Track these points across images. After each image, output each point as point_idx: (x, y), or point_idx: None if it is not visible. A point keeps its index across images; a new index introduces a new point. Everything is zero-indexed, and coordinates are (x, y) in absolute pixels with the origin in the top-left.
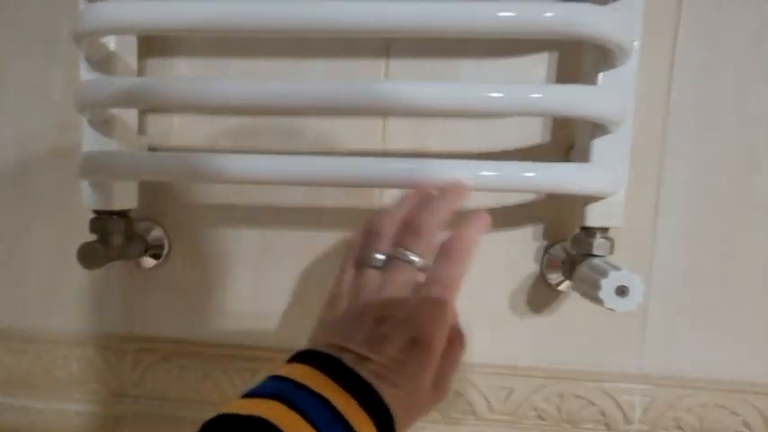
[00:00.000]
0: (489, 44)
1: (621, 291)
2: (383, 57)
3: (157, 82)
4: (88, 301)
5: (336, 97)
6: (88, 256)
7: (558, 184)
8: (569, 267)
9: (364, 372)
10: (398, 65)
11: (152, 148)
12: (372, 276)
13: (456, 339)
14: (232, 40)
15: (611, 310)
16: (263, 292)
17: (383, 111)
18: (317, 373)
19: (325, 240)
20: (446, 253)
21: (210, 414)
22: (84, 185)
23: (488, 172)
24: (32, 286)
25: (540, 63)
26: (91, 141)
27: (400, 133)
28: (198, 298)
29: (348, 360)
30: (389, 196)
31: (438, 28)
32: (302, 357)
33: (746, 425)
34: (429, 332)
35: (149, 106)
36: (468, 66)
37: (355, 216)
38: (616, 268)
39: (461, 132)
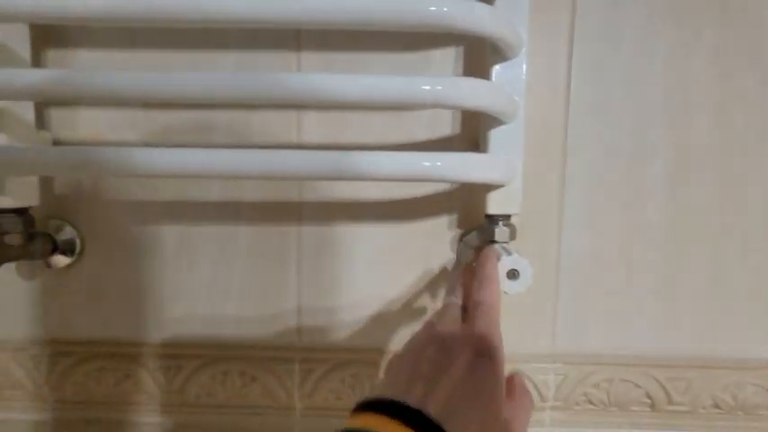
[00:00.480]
0: (400, 37)
1: (512, 274)
2: (294, 50)
3: (54, 74)
4: None
5: (248, 88)
6: None
7: (455, 174)
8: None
9: (432, 404)
10: (310, 57)
11: (57, 143)
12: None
13: (523, 390)
14: (136, 30)
15: (504, 293)
16: (184, 288)
17: (293, 102)
18: (387, 419)
19: (245, 235)
20: (481, 281)
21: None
22: None
23: (388, 160)
24: None
25: (447, 57)
26: None
27: (315, 126)
28: (114, 297)
29: (414, 397)
30: (308, 189)
31: (311, 20)
32: (368, 406)
33: (648, 396)
34: (489, 338)
35: (47, 100)
36: (379, 59)
37: (274, 209)
38: (508, 253)
39: (376, 125)
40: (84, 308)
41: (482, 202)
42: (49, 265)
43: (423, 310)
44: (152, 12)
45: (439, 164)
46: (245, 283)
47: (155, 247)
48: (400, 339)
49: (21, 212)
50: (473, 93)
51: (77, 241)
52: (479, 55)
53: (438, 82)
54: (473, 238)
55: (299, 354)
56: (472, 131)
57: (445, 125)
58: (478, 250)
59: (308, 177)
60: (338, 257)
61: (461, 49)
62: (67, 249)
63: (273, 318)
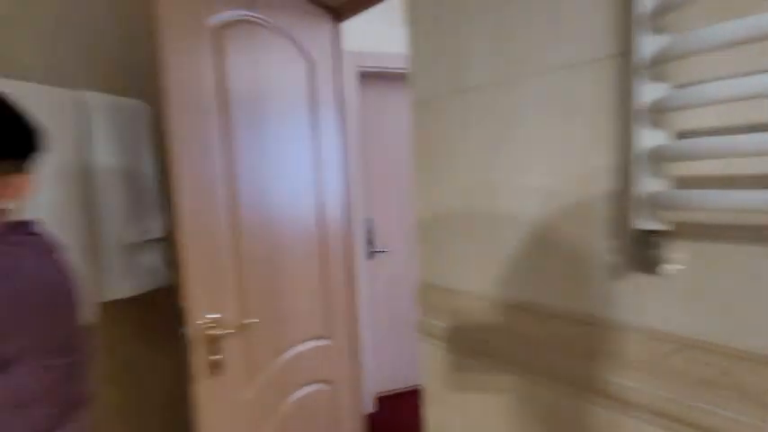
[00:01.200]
0: None
1: None
2: None
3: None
4: (594, 291)
5: None
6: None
7: None
8: None
9: None
10: None
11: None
12: None
13: None
14: None
15: None
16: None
17: None
18: None
19: None
20: None
21: None
22: (641, 212)
23: None
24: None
25: None
26: (644, 182)
27: None
28: (710, 298)
29: None
30: None
31: None
32: None
33: None
34: None
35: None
36: None
37: None
38: None
39: None
40: (682, 307)
41: None
42: (654, 272)
43: None
44: None
45: None
46: None
47: (740, 262)
48: None
49: (658, 232)
50: None
51: (671, 254)
52: None
53: None
54: None
55: None
56: None
57: None
58: None
59: None
60: None
61: None
62: (670, 260)
63: None
